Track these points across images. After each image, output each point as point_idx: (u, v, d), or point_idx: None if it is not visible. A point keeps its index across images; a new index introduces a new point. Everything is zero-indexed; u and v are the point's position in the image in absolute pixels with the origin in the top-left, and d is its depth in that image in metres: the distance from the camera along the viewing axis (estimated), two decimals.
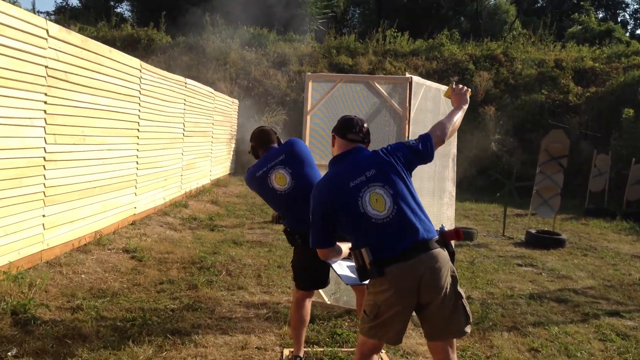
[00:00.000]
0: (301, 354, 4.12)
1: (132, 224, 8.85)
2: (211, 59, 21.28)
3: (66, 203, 6.67)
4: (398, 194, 2.95)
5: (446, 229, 3.07)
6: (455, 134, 5.95)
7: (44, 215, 6.17)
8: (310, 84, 5.51)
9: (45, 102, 6.05)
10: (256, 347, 4.42)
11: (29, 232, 5.89)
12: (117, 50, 7.99)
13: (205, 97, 13.94)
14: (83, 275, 6.14)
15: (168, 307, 5.31)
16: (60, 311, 5.02)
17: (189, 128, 12.28)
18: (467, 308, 2.99)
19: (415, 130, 5.27)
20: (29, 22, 5.63)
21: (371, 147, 4.88)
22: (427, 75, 20.70)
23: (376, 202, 2.93)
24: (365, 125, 3.35)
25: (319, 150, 5.51)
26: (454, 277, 2.95)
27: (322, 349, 4.39)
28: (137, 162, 8.98)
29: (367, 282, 2.98)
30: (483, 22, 34.68)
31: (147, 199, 9.70)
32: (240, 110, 19.22)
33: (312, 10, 27.91)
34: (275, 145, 4.14)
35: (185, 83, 11.84)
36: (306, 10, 27.44)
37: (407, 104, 5.15)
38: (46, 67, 6.01)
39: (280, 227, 10.02)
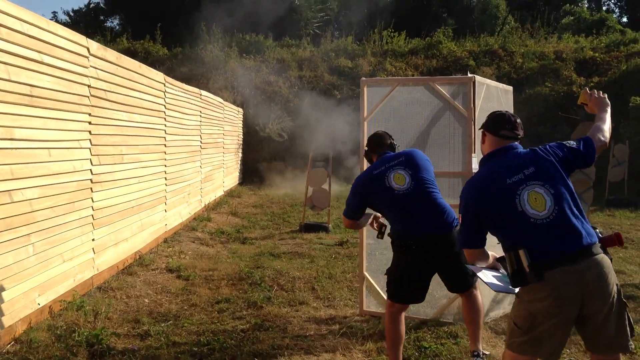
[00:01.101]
0: None
1: (165, 242, 8.66)
2: (210, 68, 21.09)
3: (111, 225, 6.48)
4: (559, 194, 2.81)
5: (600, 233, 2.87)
6: None
7: (93, 239, 5.98)
8: (365, 89, 5.37)
9: (90, 123, 5.86)
10: None
11: (83, 257, 5.70)
12: (145, 65, 7.81)
13: (217, 107, 13.77)
14: (137, 299, 5.95)
15: (237, 328, 5.14)
16: (129, 338, 4.84)
17: (205, 140, 12.11)
18: (631, 320, 2.82)
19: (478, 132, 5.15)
20: (73, 41, 5.45)
21: (434, 152, 4.76)
22: (429, 74, 20.64)
23: (535, 201, 2.79)
24: (518, 120, 3.18)
25: None
26: (618, 285, 2.77)
27: None
28: (165, 177, 8.80)
29: (517, 289, 2.79)
30: (475, 18, 34.75)
31: (175, 215, 9.51)
32: (244, 119, 19.06)
33: (306, 14, 27.80)
34: (390, 150, 4.15)
35: (200, 94, 11.67)
36: (301, 15, 27.32)
37: (472, 105, 5.02)
38: (89, 86, 5.82)
39: (312, 236, 9.88)
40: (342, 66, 21.55)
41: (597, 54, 21.35)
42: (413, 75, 20.07)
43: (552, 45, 22.94)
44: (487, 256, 3.05)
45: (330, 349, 4.61)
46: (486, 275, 3.05)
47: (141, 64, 7.65)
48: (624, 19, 45.89)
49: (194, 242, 9.05)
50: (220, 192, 14.29)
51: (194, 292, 6.29)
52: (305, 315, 5.51)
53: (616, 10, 47.75)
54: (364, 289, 5.60)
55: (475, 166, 4.99)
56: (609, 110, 3.29)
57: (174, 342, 4.77)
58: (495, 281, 3.01)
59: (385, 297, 5.48)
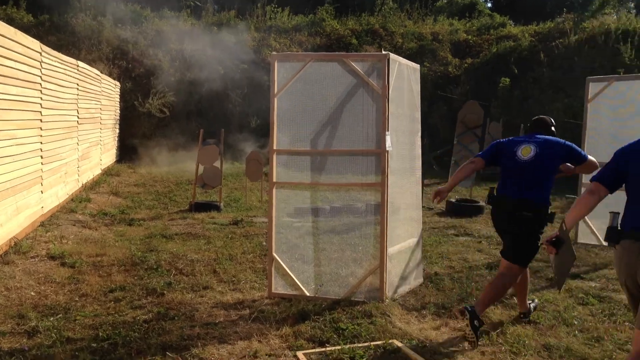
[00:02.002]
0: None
1: (41, 226, 7.89)
2: (82, 38, 19.56)
3: None
4: None
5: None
6: (419, 114, 5.87)
7: None
8: (276, 64, 5.11)
9: None
10: (267, 355, 4.06)
11: None
12: (21, 32, 6.97)
13: (94, 80, 12.79)
14: (19, 291, 5.33)
15: (138, 318, 4.74)
16: (15, 336, 4.31)
17: (82, 115, 11.21)
18: None
19: (393, 110, 5.09)
20: None
21: (348, 129, 4.68)
22: (313, 51, 20.59)
23: None
24: None
25: (289, 135, 5.18)
26: None
27: (338, 348, 4.12)
28: (41, 156, 7.99)
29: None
30: None
31: (52, 197, 8.72)
32: (122, 93, 17.97)
33: None
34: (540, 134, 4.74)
35: (78, 66, 10.74)
36: None
37: (386, 82, 4.94)
38: None
39: (203, 215, 9.50)
40: (225, 40, 20.88)
41: (470, 37, 22.38)
42: (298, 52, 19.91)
43: (429, 26, 23.73)
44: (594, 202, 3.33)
45: (244, 336, 4.37)
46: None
47: (17, 30, 6.80)
48: (489, 4, 48.73)
49: (74, 225, 8.34)
50: (97, 171, 13.37)
51: (82, 281, 5.77)
52: (212, 301, 5.22)
53: None
54: (273, 270, 5.40)
55: (389, 144, 4.93)
56: None
57: (67, 339, 4.29)
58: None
59: (294, 278, 5.36)
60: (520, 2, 31.99)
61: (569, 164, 4.70)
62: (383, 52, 4.99)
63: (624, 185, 3.27)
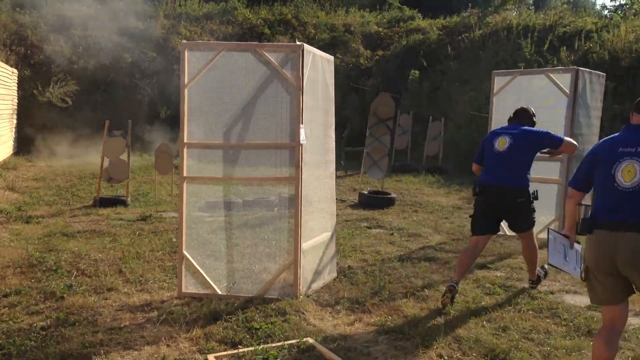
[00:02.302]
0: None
1: None
2: None
3: None
4: None
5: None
6: (333, 106, 5.81)
7: None
8: (186, 53, 4.87)
9: None
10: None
11: None
12: None
13: None
14: None
15: (35, 325, 4.41)
16: None
17: None
18: None
19: (307, 102, 4.99)
20: None
21: (262, 122, 4.61)
22: (224, 40, 20.19)
23: (627, 172, 3.32)
24: None
25: (201, 128, 4.98)
26: None
27: (251, 349, 3.99)
28: None
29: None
30: None
31: None
32: (19, 82, 16.86)
33: None
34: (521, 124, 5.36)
35: None
36: None
37: (301, 73, 4.83)
38: None
39: (109, 211, 9.06)
40: (132, 27, 20.04)
41: (381, 29, 22.70)
42: (209, 41, 19.42)
43: (341, 18, 23.84)
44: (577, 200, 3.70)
45: (152, 341, 4.15)
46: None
47: None
48: None
49: None
50: None
51: None
52: (117, 304, 4.94)
53: None
54: (183, 268, 5.18)
55: (303, 137, 4.83)
56: None
57: None
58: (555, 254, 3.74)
59: (206, 276, 5.17)
60: None
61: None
62: (297, 42, 4.87)
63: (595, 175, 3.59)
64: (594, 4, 40.50)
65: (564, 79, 7.52)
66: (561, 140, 5.26)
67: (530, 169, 5.22)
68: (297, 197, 4.99)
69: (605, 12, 26.93)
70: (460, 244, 7.25)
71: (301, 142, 4.82)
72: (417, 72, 18.97)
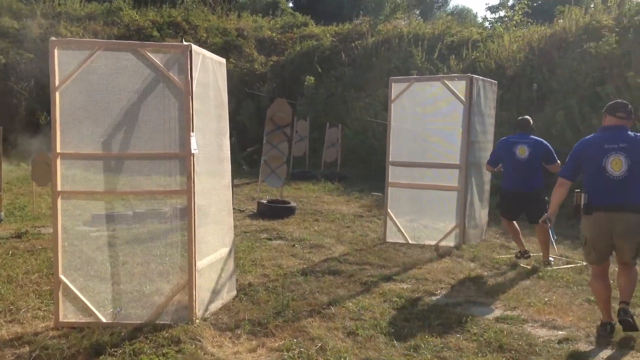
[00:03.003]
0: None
1: None
2: None
3: None
4: (634, 167, 4.37)
5: None
6: (227, 112, 5.41)
7: None
8: (56, 51, 4.28)
9: None
10: None
11: None
12: None
13: None
14: None
15: None
16: None
17: None
18: None
19: (198, 108, 4.55)
20: None
21: (147, 130, 4.24)
22: None
23: (615, 164, 4.38)
24: (629, 107, 4.56)
25: (77, 136, 4.40)
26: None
27: None
28: None
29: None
30: None
31: None
32: None
33: None
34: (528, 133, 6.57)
35: None
36: None
37: (189, 76, 4.38)
38: None
39: None
40: (6, 27, 18.44)
41: (274, 34, 22.45)
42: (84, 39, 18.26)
43: (234, 22, 23.37)
44: (565, 194, 4.75)
45: None
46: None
47: None
48: (290, 4, 49.81)
49: None
50: None
51: None
52: None
53: None
54: (60, 294, 4.55)
55: (194, 146, 4.38)
56: None
57: None
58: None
59: (87, 302, 4.58)
60: (320, 3, 33.04)
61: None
62: (184, 42, 4.41)
63: (585, 168, 4.60)
64: (476, 16, 42.53)
65: (459, 86, 7.55)
66: (555, 161, 6.40)
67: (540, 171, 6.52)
68: (190, 212, 4.52)
69: (486, 24, 28.28)
70: (364, 254, 7.05)
71: (192, 151, 4.37)
72: (312, 78, 18.87)
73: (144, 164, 4.57)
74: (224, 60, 5.44)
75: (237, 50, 20.89)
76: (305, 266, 6.50)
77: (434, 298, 5.39)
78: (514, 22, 18.79)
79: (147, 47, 4.40)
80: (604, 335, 4.37)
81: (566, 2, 16.08)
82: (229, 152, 5.46)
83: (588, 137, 4.70)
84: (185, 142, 4.41)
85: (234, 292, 5.42)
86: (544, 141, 6.52)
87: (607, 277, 4.64)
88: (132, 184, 4.75)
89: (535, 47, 14.79)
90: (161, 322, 4.57)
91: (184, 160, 4.45)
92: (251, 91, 18.95)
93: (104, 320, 4.59)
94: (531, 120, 6.72)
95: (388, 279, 5.97)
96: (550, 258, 6.63)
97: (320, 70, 19.27)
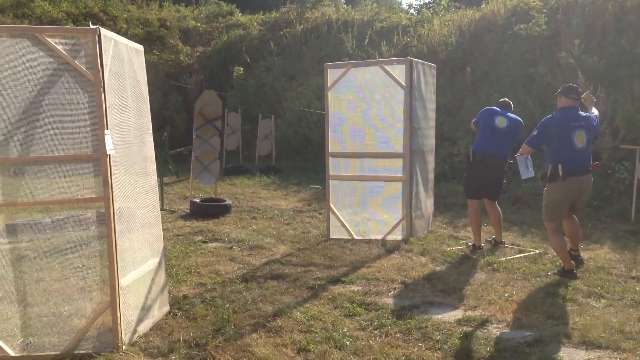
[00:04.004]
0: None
1: None
2: None
3: None
4: (589, 139, 5.53)
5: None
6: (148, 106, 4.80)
7: None
8: None
9: None
10: None
11: None
12: None
13: None
14: None
15: None
16: None
17: None
18: None
19: (113, 101, 3.92)
20: None
21: (56, 129, 3.62)
22: None
23: (579, 138, 5.41)
24: (579, 89, 5.66)
25: None
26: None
27: None
28: None
29: (531, 175, 5.76)
30: None
31: None
32: None
33: None
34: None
35: None
36: None
37: (99, 65, 3.74)
38: None
39: None
40: None
41: (199, 24, 21.54)
42: None
43: (155, 12, 22.26)
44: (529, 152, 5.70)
45: None
46: (522, 164, 5.72)
47: None
48: None
49: None
50: None
51: None
52: None
53: None
54: None
55: (110, 146, 3.75)
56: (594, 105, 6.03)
57: None
58: (525, 170, 5.71)
59: None
60: None
61: None
62: (92, 26, 3.76)
63: (550, 142, 5.53)
64: (400, 3, 42.65)
65: (399, 71, 7.15)
66: (525, 141, 6.11)
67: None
68: (109, 222, 3.90)
69: (412, 10, 28.23)
70: (308, 254, 6.56)
71: (108, 152, 3.75)
72: (241, 68, 18.18)
73: (49, 169, 3.89)
74: (141, 47, 4.82)
75: (160, 41, 19.89)
76: (245, 271, 5.95)
77: (388, 300, 4.95)
78: (442, 7, 18.72)
79: (46, 32, 3.72)
80: (572, 277, 5.39)
81: None
82: (153, 150, 4.83)
83: (553, 116, 5.66)
84: (99, 142, 3.77)
85: (167, 308, 4.83)
86: (521, 121, 6.80)
87: (560, 233, 5.67)
88: (36, 193, 4.06)
89: (466, 30, 14.66)
90: (81, 352, 3.95)
91: (98, 162, 3.81)
92: (178, 84, 18.05)
93: (11, 353, 3.93)
94: (511, 103, 6.97)
95: (336, 281, 5.51)
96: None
97: (249, 60, 18.59)
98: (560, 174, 5.33)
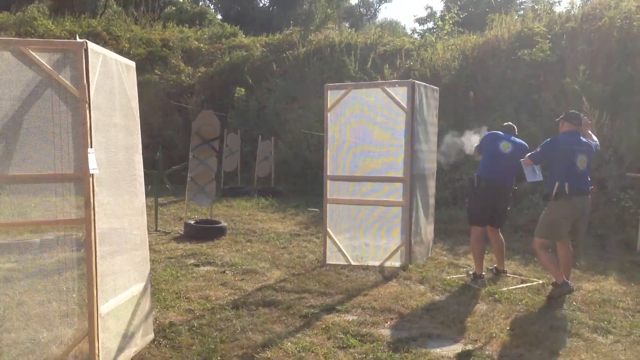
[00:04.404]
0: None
1: None
2: None
3: None
4: (589, 164, 5.69)
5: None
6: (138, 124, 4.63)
7: None
8: None
9: None
10: None
11: None
12: None
13: None
14: None
15: None
16: None
17: None
18: None
19: (99, 118, 3.74)
20: None
21: (33, 146, 3.43)
22: None
23: (581, 162, 5.59)
24: (581, 115, 5.86)
25: None
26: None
27: None
28: None
29: (539, 179, 5.95)
30: None
31: None
32: None
33: None
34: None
35: None
36: None
37: (85, 81, 3.57)
38: None
39: None
40: None
41: (202, 45, 21.51)
42: None
43: (158, 32, 22.28)
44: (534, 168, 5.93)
45: None
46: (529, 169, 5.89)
47: None
48: (219, 16, 48.72)
49: None
50: None
51: None
52: None
53: (211, 7, 50.34)
54: None
55: (94, 165, 3.56)
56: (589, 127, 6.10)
57: None
58: (532, 174, 5.89)
59: None
60: (249, 15, 32.34)
61: None
62: (78, 39, 3.60)
63: (553, 163, 5.68)
64: (404, 28, 42.82)
65: (400, 93, 6.99)
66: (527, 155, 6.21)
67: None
68: (90, 245, 3.70)
69: (415, 35, 28.27)
70: (302, 280, 6.33)
71: (91, 171, 3.56)
72: (242, 89, 18.08)
73: (28, 188, 3.69)
74: (132, 63, 4.66)
75: (162, 61, 19.84)
76: (236, 297, 5.72)
77: (384, 332, 4.71)
78: (445, 32, 18.68)
79: (30, 45, 3.56)
80: (562, 293, 5.47)
81: (496, 12, 16.03)
82: (142, 170, 4.64)
83: (558, 138, 5.83)
84: (82, 161, 3.59)
85: (151, 336, 4.60)
86: (525, 145, 6.59)
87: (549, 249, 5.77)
88: (13, 215, 3.85)
89: (469, 55, 14.57)
90: None
91: (80, 182, 3.62)
92: (178, 104, 17.95)
93: None
94: (514, 127, 6.84)
95: (331, 309, 5.28)
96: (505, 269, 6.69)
97: (250, 81, 18.50)
98: (567, 192, 5.48)
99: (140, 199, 4.60)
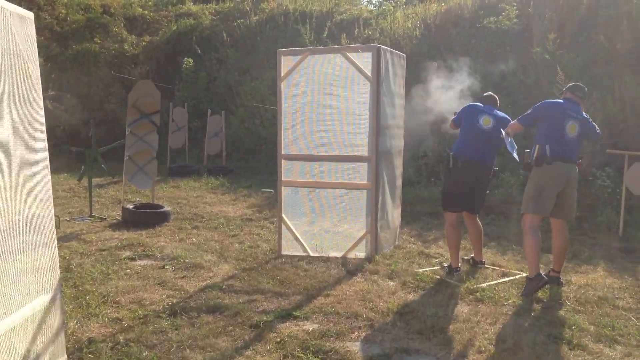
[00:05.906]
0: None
1: None
2: None
3: None
4: (580, 135, 5.17)
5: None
6: (39, 92, 3.62)
7: None
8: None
9: None
10: None
11: None
12: None
13: None
14: None
15: None
16: None
17: None
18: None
19: None
20: None
21: None
22: None
23: (571, 128, 5.10)
24: (585, 89, 5.39)
25: None
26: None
27: None
28: None
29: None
30: None
31: None
32: None
33: None
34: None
35: None
36: None
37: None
38: None
39: None
40: None
41: (146, 12, 20.13)
42: None
43: None
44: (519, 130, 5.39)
45: None
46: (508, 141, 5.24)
47: None
48: None
49: None
50: None
51: None
52: None
53: None
54: None
55: None
56: None
57: None
58: (511, 147, 5.21)
59: None
60: None
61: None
62: None
63: (542, 125, 5.15)
64: None
65: (364, 60, 6.13)
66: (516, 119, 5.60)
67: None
68: None
69: (371, 7, 27.29)
70: (254, 276, 5.47)
71: None
72: (191, 60, 16.89)
73: None
74: (31, 15, 3.65)
75: (103, 29, 18.39)
76: (175, 300, 4.83)
77: (351, 346, 3.89)
78: (404, 0, 17.85)
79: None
80: (537, 288, 4.89)
81: None
82: (46, 150, 3.66)
83: (553, 100, 5.43)
84: None
85: (63, 358, 3.68)
86: (507, 117, 5.82)
87: (539, 231, 5.09)
88: None
89: (431, 23, 13.80)
90: None
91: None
92: (120, 75, 16.66)
93: None
94: (496, 97, 6.08)
95: (287, 316, 4.43)
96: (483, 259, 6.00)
97: (199, 51, 17.31)
98: (548, 155, 4.95)
99: (44, 186, 3.62)
